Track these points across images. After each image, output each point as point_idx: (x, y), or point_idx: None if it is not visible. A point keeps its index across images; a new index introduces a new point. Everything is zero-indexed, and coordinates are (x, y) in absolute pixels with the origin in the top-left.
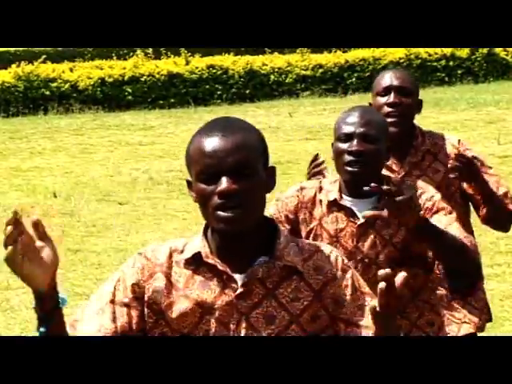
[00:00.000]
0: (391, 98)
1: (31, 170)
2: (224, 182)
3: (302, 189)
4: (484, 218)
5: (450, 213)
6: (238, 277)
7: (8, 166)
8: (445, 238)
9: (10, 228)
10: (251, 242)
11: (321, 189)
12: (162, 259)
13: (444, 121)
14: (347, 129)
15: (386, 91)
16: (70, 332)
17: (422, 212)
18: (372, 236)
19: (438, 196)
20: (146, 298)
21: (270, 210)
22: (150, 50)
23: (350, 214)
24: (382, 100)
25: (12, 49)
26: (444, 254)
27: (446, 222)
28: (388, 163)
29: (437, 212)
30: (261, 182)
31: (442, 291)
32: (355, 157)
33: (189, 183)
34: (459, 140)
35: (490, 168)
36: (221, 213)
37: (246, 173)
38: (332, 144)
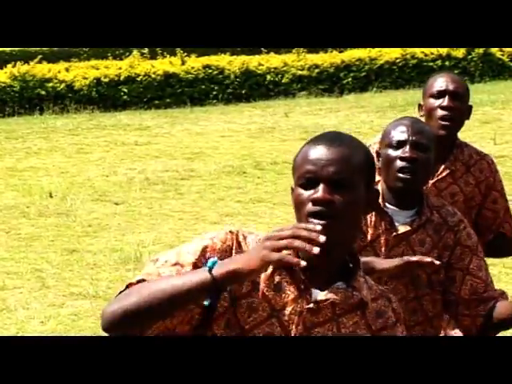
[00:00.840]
0: (445, 101)
1: (27, 169)
2: (320, 190)
3: None
4: (488, 243)
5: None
6: (315, 291)
7: (4, 166)
8: None
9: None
10: (336, 260)
11: None
12: None
13: None
14: (400, 136)
15: (440, 95)
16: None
17: (458, 247)
18: (403, 248)
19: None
20: None
21: None
22: (146, 50)
23: (389, 222)
24: (436, 102)
25: (8, 49)
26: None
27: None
28: None
29: (475, 255)
30: (358, 199)
31: None
32: (408, 163)
33: (292, 190)
34: (493, 160)
35: (506, 200)
36: (314, 220)
37: (344, 185)
38: (377, 152)
